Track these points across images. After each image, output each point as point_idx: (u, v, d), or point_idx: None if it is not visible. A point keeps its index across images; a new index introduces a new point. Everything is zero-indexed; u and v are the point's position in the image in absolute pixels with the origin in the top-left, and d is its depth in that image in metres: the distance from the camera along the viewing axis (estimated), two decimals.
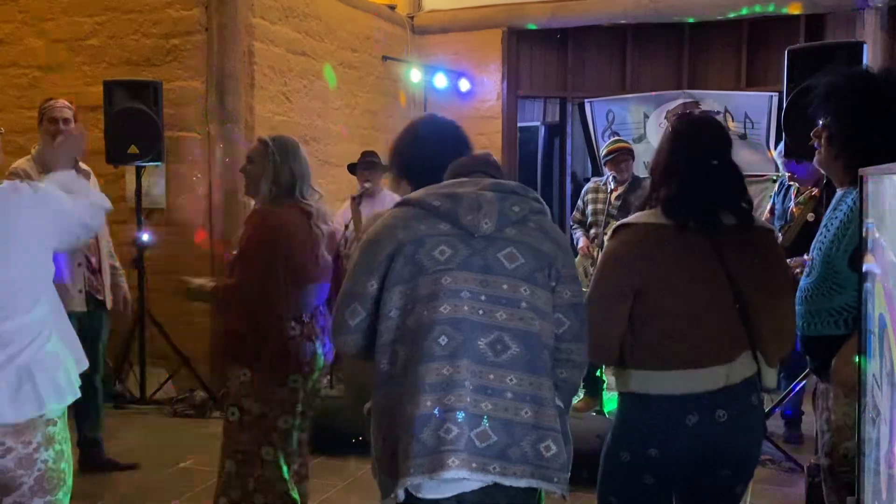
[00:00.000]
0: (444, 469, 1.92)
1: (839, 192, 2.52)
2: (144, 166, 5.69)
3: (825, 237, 2.46)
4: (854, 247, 2.31)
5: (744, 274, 2.22)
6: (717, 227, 2.23)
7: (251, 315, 2.98)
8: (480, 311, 2.02)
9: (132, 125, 5.38)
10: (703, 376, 2.19)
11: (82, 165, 4.50)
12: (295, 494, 3.13)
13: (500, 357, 2.01)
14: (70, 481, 2.26)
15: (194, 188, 6.00)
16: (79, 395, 2.31)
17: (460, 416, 1.95)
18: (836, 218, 2.43)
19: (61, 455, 2.18)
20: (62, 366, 2.25)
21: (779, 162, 5.76)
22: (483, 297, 2.02)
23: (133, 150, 5.37)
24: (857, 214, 2.30)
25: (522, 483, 1.98)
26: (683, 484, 2.32)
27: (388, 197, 5.85)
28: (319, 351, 3.17)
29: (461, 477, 1.94)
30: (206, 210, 5.97)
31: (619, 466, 2.29)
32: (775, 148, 6.62)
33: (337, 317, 2.14)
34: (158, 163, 5.69)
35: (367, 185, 5.57)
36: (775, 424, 4.90)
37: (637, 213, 2.36)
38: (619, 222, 2.36)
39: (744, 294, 2.22)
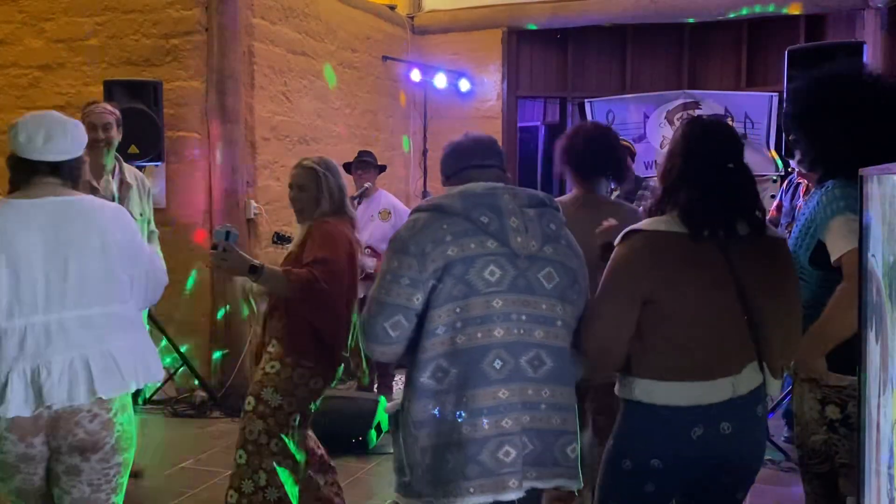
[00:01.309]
0: (506, 490, 2.03)
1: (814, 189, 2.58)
2: (144, 166, 5.68)
3: (794, 231, 2.52)
4: (815, 244, 2.37)
5: (754, 284, 2.18)
6: (731, 237, 2.18)
7: (325, 314, 3.05)
8: (521, 331, 2.08)
9: (132, 125, 5.35)
10: (711, 388, 2.16)
11: (127, 178, 4.22)
12: (294, 499, 3.14)
13: (537, 373, 2.10)
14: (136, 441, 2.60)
15: (194, 188, 6.00)
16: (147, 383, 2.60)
17: (516, 438, 2.04)
18: (804, 215, 2.47)
19: (131, 420, 2.54)
20: (144, 354, 2.53)
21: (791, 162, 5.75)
22: (524, 317, 2.09)
23: (133, 149, 5.35)
24: (824, 208, 2.36)
25: (552, 484, 2.10)
26: (684, 490, 2.31)
27: (384, 197, 5.90)
28: (343, 364, 3.25)
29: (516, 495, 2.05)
30: (206, 210, 5.97)
31: (621, 473, 2.25)
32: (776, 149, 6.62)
33: (372, 326, 2.09)
34: (158, 163, 5.70)
35: (367, 185, 5.69)
36: (775, 424, 4.89)
37: (646, 220, 2.29)
38: (627, 227, 2.27)
39: (753, 304, 2.18)
